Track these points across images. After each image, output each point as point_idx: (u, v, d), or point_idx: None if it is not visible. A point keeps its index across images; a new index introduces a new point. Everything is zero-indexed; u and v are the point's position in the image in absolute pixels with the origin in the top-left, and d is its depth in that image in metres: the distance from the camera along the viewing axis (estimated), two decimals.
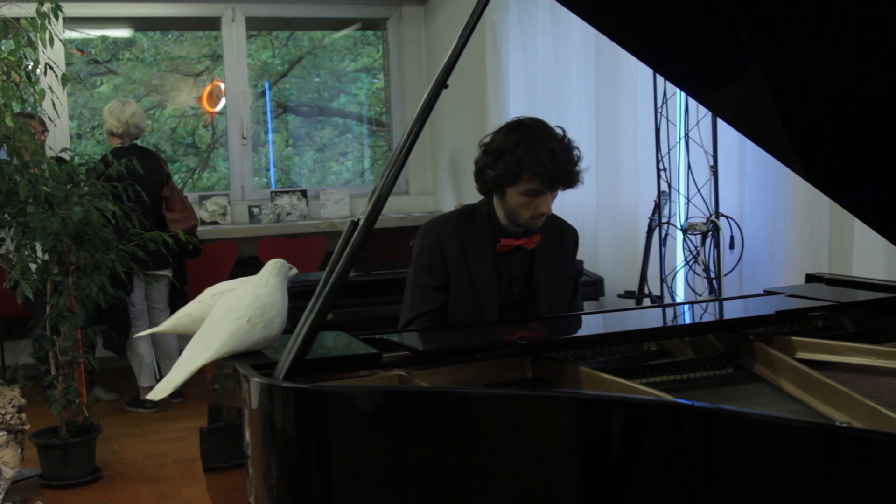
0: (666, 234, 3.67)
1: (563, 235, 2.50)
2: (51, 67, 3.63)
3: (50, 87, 3.63)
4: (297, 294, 2.20)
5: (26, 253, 3.62)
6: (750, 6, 1.53)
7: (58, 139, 5.19)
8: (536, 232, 2.37)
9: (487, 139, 2.36)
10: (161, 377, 4.50)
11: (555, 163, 2.23)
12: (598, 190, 4.16)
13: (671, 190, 3.62)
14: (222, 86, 6.16)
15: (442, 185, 6.19)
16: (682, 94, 3.47)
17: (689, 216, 3.54)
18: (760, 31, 1.56)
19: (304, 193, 6.03)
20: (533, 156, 2.23)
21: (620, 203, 4.11)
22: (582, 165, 2.31)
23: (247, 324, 1.61)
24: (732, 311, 2.32)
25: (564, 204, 2.28)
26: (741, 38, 1.58)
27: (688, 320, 2.25)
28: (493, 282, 2.37)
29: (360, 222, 1.56)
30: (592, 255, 4.27)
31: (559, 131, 2.31)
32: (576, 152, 2.29)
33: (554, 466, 1.40)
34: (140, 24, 6.13)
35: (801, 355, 1.83)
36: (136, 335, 4.32)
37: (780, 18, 1.52)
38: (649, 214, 3.75)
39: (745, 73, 1.67)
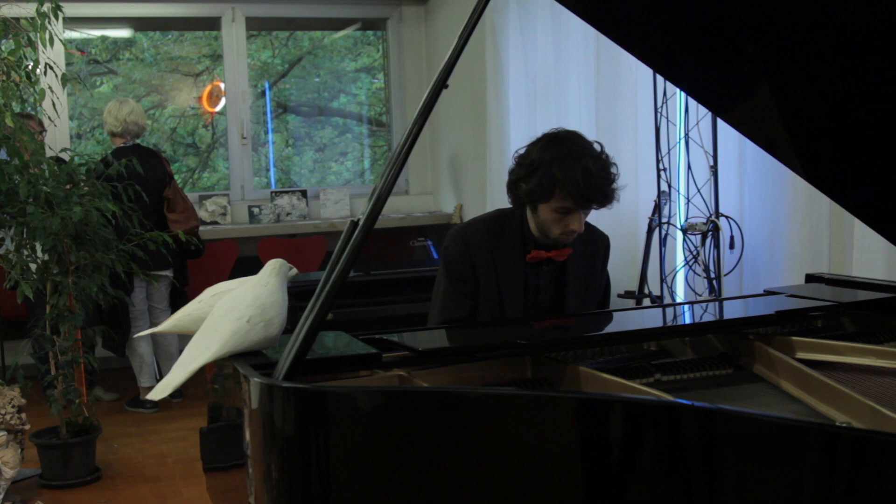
0: (666, 234, 3.67)
1: (595, 244, 2.47)
2: (51, 67, 3.63)
3: (50, 87, 3.63)
4: (297, 294, 2.21)
5: (26, 253, 3.62)
6: (750, 9, 1.53)
7: (58, 139, 5.19)
8: (567, 244, 2.34)
9: (523, 151, 2.31)
10: (161, 377, 4.51)
11: (588, 182, 2.18)
12: None
13: (671, 190, 3.62)
14: (222, 86, 6.16)
15: (442, 185, 6.18)
16: (682, 94, 3.47)
17: (689, 216, 3.54)
18: (760, 31, 1.56)
19: (304, 193, 6.03)
20: (567, 174, 2.18)
21: (620, 203, 4.09)
22: (619, 183, 2.27)
23: (247, 324, 1.61)
24: (732, 311, 2.31)
25: None
26: (741, 39, 1.58)
27: (688, 320, 2.25)
28: (519, 292, 2.35)
29: (360, 222, 1.56)
30: None
31: (597, 147, 2.26)
32: (613, 170, 2.25)
33: (554, 466, 1.40)
34: (140, 24, 6.13)
35: (801, 355, 1.83)
36: (136, 335, 4.32)
37: (781, 19, 1.52)
38: (649, 214, 3.74)
39: (746, 74, 1.67)
